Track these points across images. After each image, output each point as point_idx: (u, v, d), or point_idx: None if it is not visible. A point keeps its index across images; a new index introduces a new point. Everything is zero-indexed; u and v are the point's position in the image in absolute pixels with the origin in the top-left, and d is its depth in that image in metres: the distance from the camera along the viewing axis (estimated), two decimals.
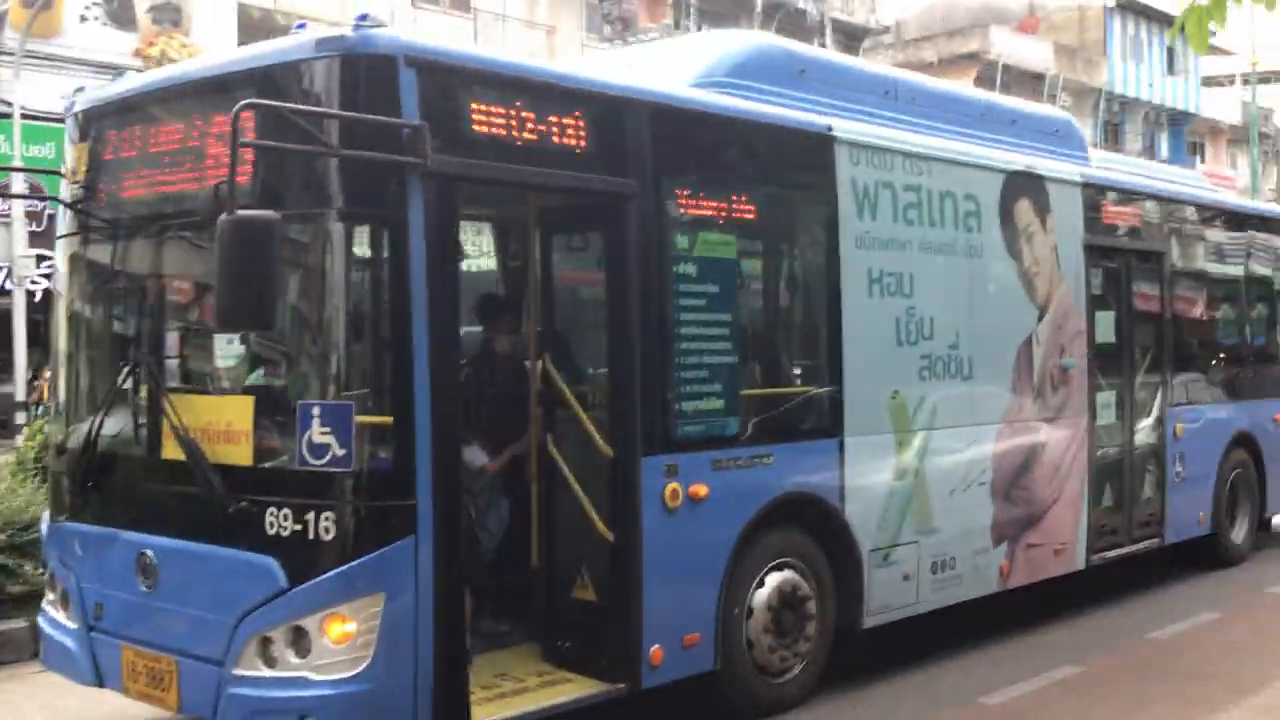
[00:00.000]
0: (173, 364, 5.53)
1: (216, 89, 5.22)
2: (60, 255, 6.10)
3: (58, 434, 6.14)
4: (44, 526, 6.11)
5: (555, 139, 5.47)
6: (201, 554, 5.13)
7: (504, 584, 6.32)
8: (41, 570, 7.82)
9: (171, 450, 5.30)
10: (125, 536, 5.47)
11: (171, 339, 5.52)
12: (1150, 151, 43.05)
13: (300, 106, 4.78)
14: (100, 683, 5.64)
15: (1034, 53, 38.70)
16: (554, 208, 6.03)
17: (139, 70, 18.91)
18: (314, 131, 4.74)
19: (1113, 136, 43.49)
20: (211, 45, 19.99)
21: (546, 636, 5.95)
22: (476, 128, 5.18)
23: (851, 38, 33.55)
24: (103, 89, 5.99)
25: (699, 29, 28.96)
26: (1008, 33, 38.30)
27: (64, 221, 6.04)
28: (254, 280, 4.40)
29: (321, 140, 4.74)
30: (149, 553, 5.33)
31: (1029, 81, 38.07)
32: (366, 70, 4.90)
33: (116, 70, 18.65)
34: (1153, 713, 6.44)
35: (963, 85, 8.60)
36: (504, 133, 5.27)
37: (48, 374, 15.61)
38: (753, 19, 29.70)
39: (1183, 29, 4.04)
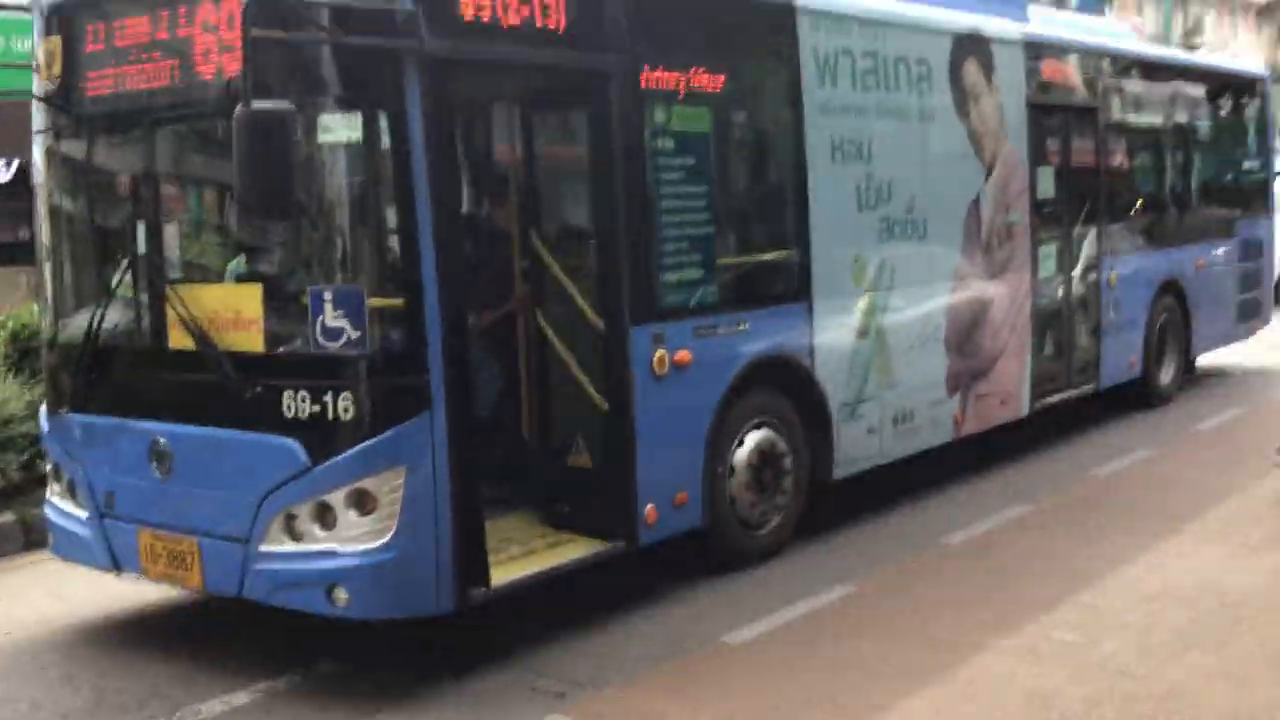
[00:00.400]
0: (174, 256, 5.62)
1: None
2: (38, 151, 6.08)
3: (50, 329, 6.19)
4: (43, 419, 6.20)
5: (539, 18, 5.54)
6: (218, 439, 5.30)
7: (495, 449, 6.56)
8: (21, 465, 7.97)
9: (179, 339, 5.42)
10: (135, 425, 5.61)
11: (170, 231, 5.59)
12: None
13: None
14: (116, 567, 5.83)
15: None
16: (533, 86, 6.13)
17: None
18: (314, 20, 4.79)
19: None
20: None
21: (546, 502, 6.23)
22: (465, 10, 5.24)
23: None
24: None
25: None
26: None
27: (40, 117, 6.01)
28: (274, 171, 4.51)
29: (323, 28, 4.80)
30: (161, 440, 5.48)
31: None
32: None
33: None
34: (1101, 543, 6.94)
35: None
36: (490, 14, 5.33)
37: None
38: None
39: None
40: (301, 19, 4.78)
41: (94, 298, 5.89)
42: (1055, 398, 9.53)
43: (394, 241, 5.06)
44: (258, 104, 4.49)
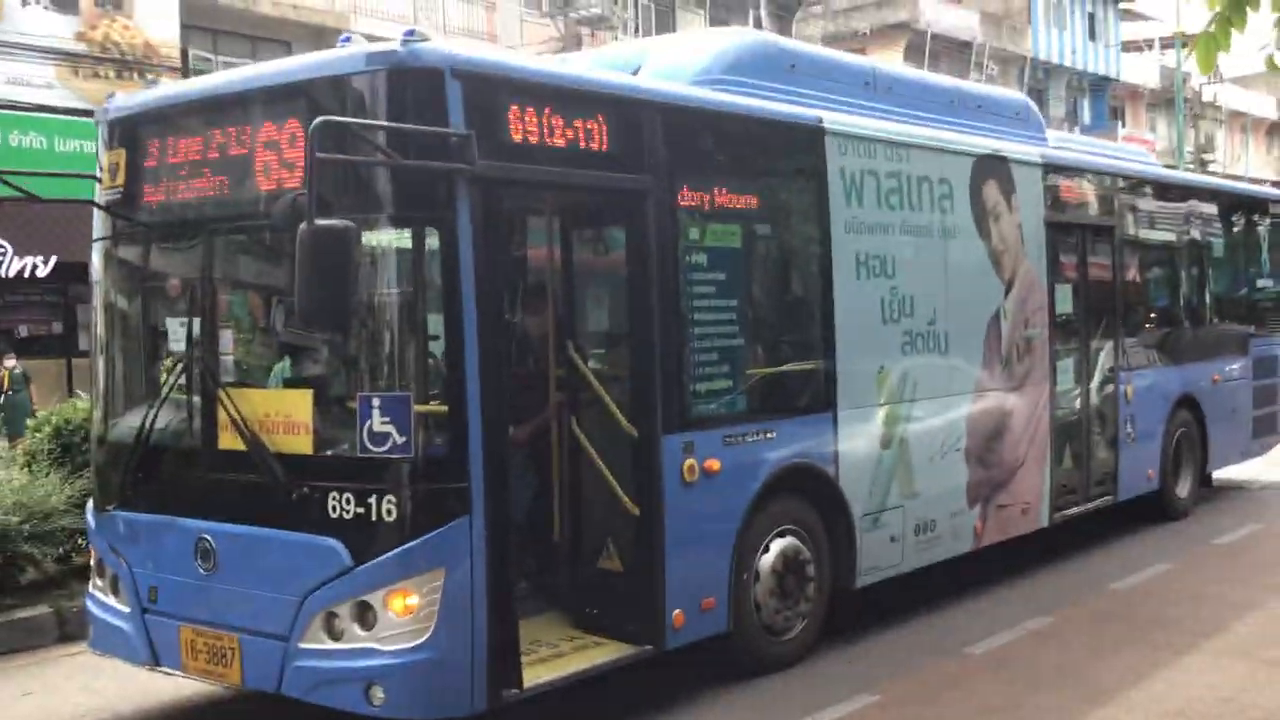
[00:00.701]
0: (228, 360, 5.84)
1: (266, 99, 5.52)
2: (96, 256, 6.35)
3: (99, 426, 6.40)
4: (90, 516, 6.38)
5: (582, 141, 5.84)
6: (263, 537, 5.47)
7: (528, 554, 6.70)
8: (58, 558, 8.12)
9: (228, 441, 5.62)
10: (182, 523, 5.78)
11: (226, 336, 5.82)
12: (1073, 116, 44.10)
13: (365, 120, 5.10)
14: (155, 662, 5.95)
15: (961, 21, 39.41)
16: (573, 203, 6.40)
17: (84, 53, 18.85)
18: (373, 142, 5.07)
19: (1037, 102, 44.17)
20: (154, 29, 19.92)
21: (575, 604, 6.36)
22: (514, 133, 5.54)
23: (784, 9, 33.90)
24: (139, 95, 6.24)
25: (635, 4, 29.22)
26: (935, 2, 38.96)
27: (100, 224, 6.29)
28: (333, 285, 4.76)
29: (381, 150, 5.07)
30: (208, 538, 5.65)
31: (957, 50, 38.82)
32: (415, 83, 5.24)
33: (60, 54, 18.66)
34: (1123, 657, 7.01)
35: (933, 74, 9.08)
36: (538, 137, 5.63)
37: (8, 363, 15.69)
38: None
39: (1189, 52, 4.56)
40: (362, 141, 5.06)
41: (145, 398, 6.11)
42: (1074, 510, 9.65)
43: (441, 352, 5.27)
44: (321, 221, 4.74)
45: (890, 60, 31.74)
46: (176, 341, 5.96)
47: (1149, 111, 49.49)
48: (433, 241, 5.25)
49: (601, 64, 7.28)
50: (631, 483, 6.14)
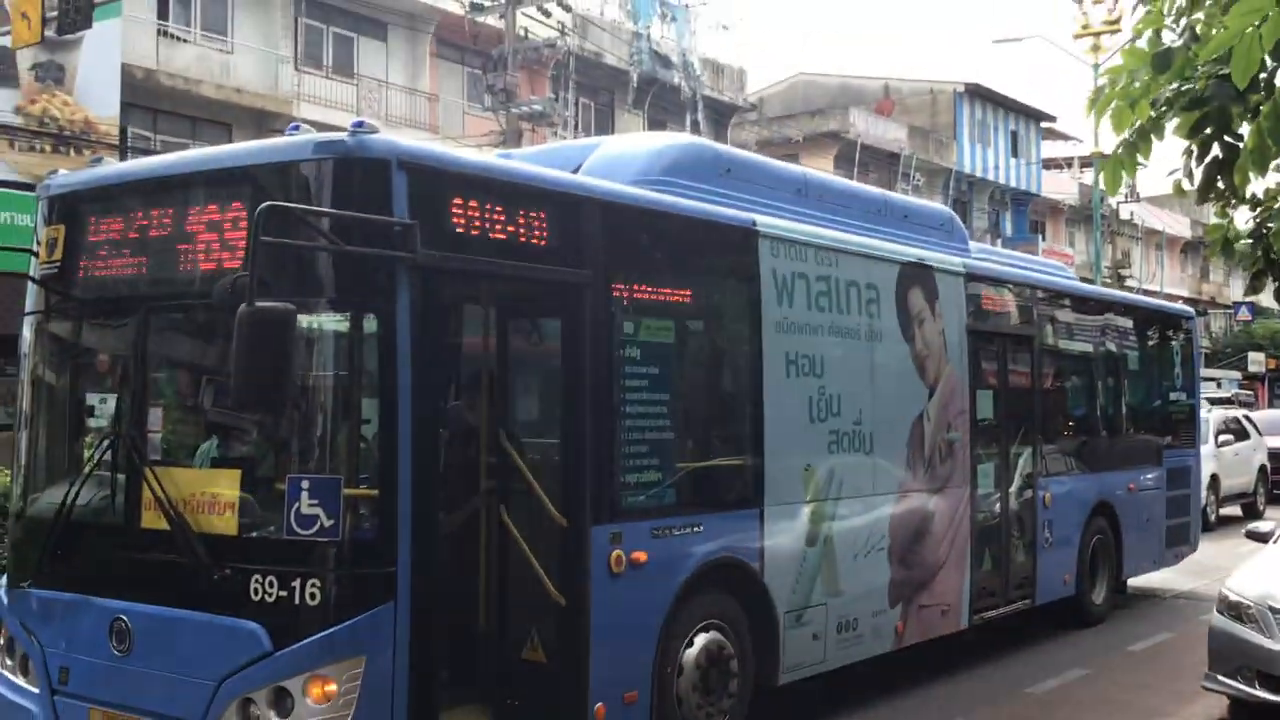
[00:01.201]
0: (154, 438, 5.80)
1: (213, 181, 5.57)
2: (27, 329, 6.30)
3: (18, 501, 6.30)
4: (2, 592, 6.25)
5: (522, 234, 5.96)
6: (182, 619, 5.40)
7: (452, 643, 6.65)
8: None
9: (151, 519, 5.57)
10: (98, 603, 5.69)
11: (154, 414, 5.78)
12: (996, 229, 45.28)
13: (310, 207, 5.17)
14: None
15: (890, 133, 40.56)
16: (511, 293, 6.49)
17: (20, 126, 18.74)
18: (317, 228, 5.14)
19: (961, 214, 45.29)
20: (94, 105, 19.88)
21: (498, 695, 6.31)
22: (456, 224, 5.64)
23: (721, 114, 34.71)
24: (83, 172, 6.26)
25: (576, 102, 29.72)
26: (865, 114, 40.10)
27: (33, 298, 6.26)
28: (270, 366, 4.77)
29: (325, 235, 5.14)
30: (124, 618, 5.56)
31: (885, 160, 39.89)
32: (362, 172, 5.33)
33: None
34: None
35: (862, 184, 9.37)
36: (479, 229, 5.73)
37: None
38: (628, 94, 30.60)
39: (1100, 173, 4.81)
40: (306, 226, 5.12)
41: (68, 473, 6.05)
42: (994, 612, 9.78)
43: (373, 435, 5.29)
44: (261, 303, 4.77)
45: (821, 167, 32.47)
46: (104, 417, 5.93)
47: (1068, 226, 51.00)
48: (371, 326, 5.30)
49: (543, 160, 7.43)
50: (558, 572, 6.15)
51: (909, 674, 8.90)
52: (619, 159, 7.33)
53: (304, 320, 5.18)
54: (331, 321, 5.34)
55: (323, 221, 5.17)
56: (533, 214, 6.01)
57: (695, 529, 6.82)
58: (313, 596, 5.14)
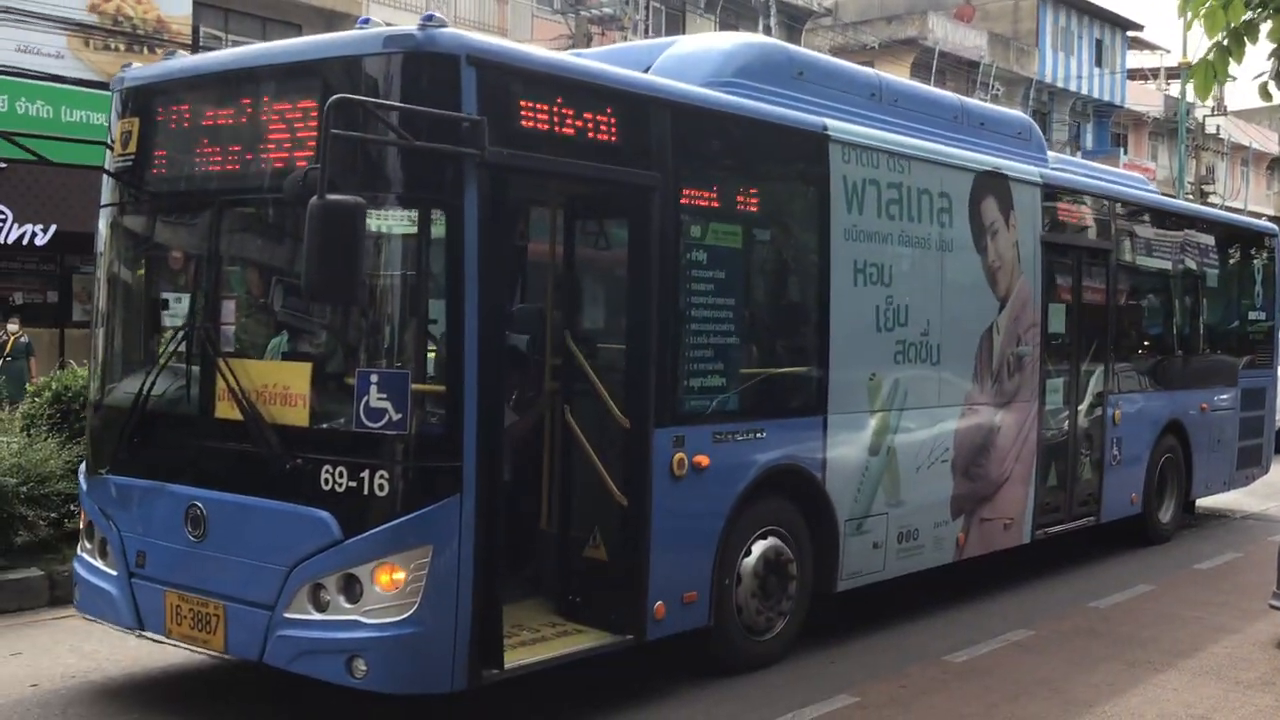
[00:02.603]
0: (228, 330, 5.89)
1: (283, 75, 5.59)
2: (103, 223, 6.40)
3: (96, 392, 6.45)
4: (81, 478, 6.43)
5: (591, 133, 5.91)
6: (255, 507, 5.53)
7: (517, 539, 6.76)
8: (52, 522, 8.16)
9: (224, 410, 5.68)
10: (173, 489, 5.83)
11: (228, 307, 5.87)
12: (1076, 141, 44.27)
13: (380, 100, 5.17)
14: (140, 626, 5.99)
15: (969, 40, 39.57)
16: (579, 194, 6.47)
17: (96, 24, 18.86)
18: (387, 122, 5.14)
19: (1041, 125, 44.32)
20: (166, 5, 19.96)
21: (560, 591, 6.42)
22: (524, 122, 5.61)
23: (794, 19, 34.09)
24: (154, 66, 6.30)
25: (646, 6, 29.29)
26: (944, 20, 39.12)
27: (108, 192, 6.34)
28: (342, 259, 4.81)
29: (394, 130, 5.14)
30: (199, 505, 5.70)
31: (964, 69, 38.98)
32: (431, 67, 5.30)
33: (72, 25, 18.66)
34: (1100, 672, 7.09)
35: (938, 90, 9.11)
36: (547, 127, 5.70)
37: (11, 327, 15.72)
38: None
39: (1189, 79, 4.66)
40: (375, 121, 5.12)
41: (144, 365, 6.17)
42: (1057, 528, 9.73)
43: (441, 332, 5.33)
44: (331, 196, 4.80)
45: (897, 76, 31.82)
46: (178, 310, 6.02)
47: (1152, 140, 49.69)
48: (439, 224, 5.31)
49: (613, 59, 7.33)
50: (621, 474, 6.20)
51: (973, 586, 8.91)
52: (690, 59, 7.23)
53: (373, 216, 5.21)
54: (400, 217, 5.36)
55: (392, 116, 5.16)
56: (601, 113, 5.96)
57: (758, 435, 6.83)
58: (381, 488, 5.23)
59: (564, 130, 5.78)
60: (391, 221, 5.37)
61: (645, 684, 6.53)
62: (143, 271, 6.35)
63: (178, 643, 5.90)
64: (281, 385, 5.51)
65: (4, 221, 16.22)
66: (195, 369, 5.86)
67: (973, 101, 9.75)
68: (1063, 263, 9.81)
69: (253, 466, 5.55)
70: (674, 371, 6.35)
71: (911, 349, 8.02)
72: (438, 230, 5.33)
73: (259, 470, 5.52)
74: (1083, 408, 10.03)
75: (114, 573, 6.09)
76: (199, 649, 5.87)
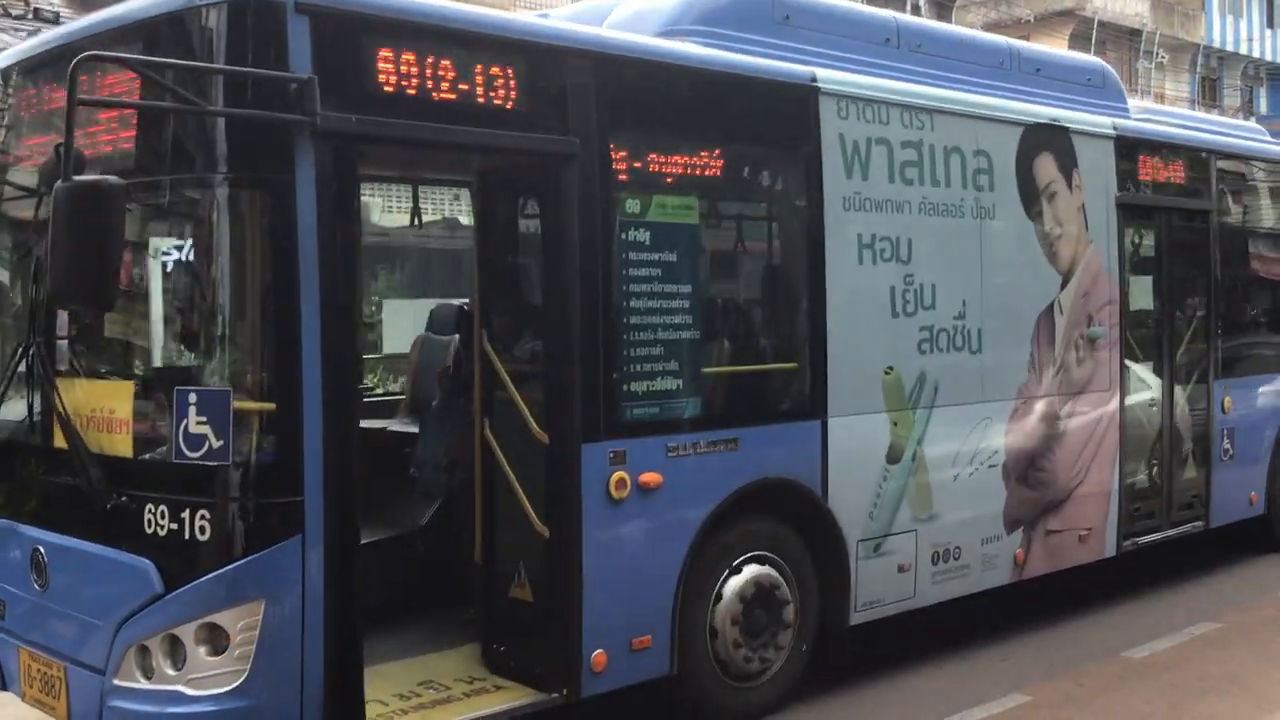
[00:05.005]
0: (64, 345, 5.10)
1: (102, 49, 4.73)
2: None
3: None
4: None
5: (481, 94, 4.93)
6: (86, 553, 4.73)
7: (446, 578, 5.87)
8: None
9: (60, 439, 4.89)
10: (22, 531, 5.09)
11: (63, 319, 5.08)
12: (1249, 107, 41.53)
13: (144, 57, 4.30)
14: (4, 686, 5.28)
15: (1130, 7, 37.30)
16: (491, 171, 5.50)
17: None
18: (174, 87, 4.26)
19: (1209, 92, 41.94)
20: None
21: (486, 638, 5.47)
22: (383, 82, 4.65)
23: None
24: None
25: None
26: None
27: None
28: (90, 253, 3.96)
29: (182, 96, 4.25)
30: (41, 549, 4.93)
31: (1125, 37, 36.73)
32: (252, 18, 4.39)
33: None
34: None
35: (983, 32, 7.80)
36: (416, 87, 4.73)
37: None
38: None
39: None
40: (167, 85, 4.24)
41: None
42: (1152, 536, 8.33)
43: (268, 337, 4.42)
44: (78, 178, 3.94)
45: (1054, 48, 30.11)
46: (20, 324, 5.25)
47: None
48: (262, 208, 4.41)
49: (577, 19, 6.37)
50: (545, 498, 5.21)
51: (1145, 578, 8.36)
52: (644, 9, 6.19)
53: (177, 198, 4.34)
54: (210, 200, 4.46)
55: (186, 78, 4.27)
56: (492, 70, 4.96)
57: (729, 445, 5.74)
58: (202, 530, 4.36)
59: (440, 92, 4.80)
60: (199, 205, 4.48)
61: None
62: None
63: (32, 705, 5.14)
64: (106, 408, 4.69)
65: None
66: (35, 390, 5.08)
67: (1027, 45, 8.42)
68: (1147, 226, 8.41)
69: (80, 505, 4.74)
70: (608, 374, 5.32)
71: (942, 336, 6.80)
72: (263, 216, 4.41)
73: (85, 509, 4.70)
74: (1181, 396, 8.59)
75: None
76: (49, 716, 5.08)
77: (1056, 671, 6.54)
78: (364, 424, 6.40)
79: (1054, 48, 24.02)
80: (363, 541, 5.62)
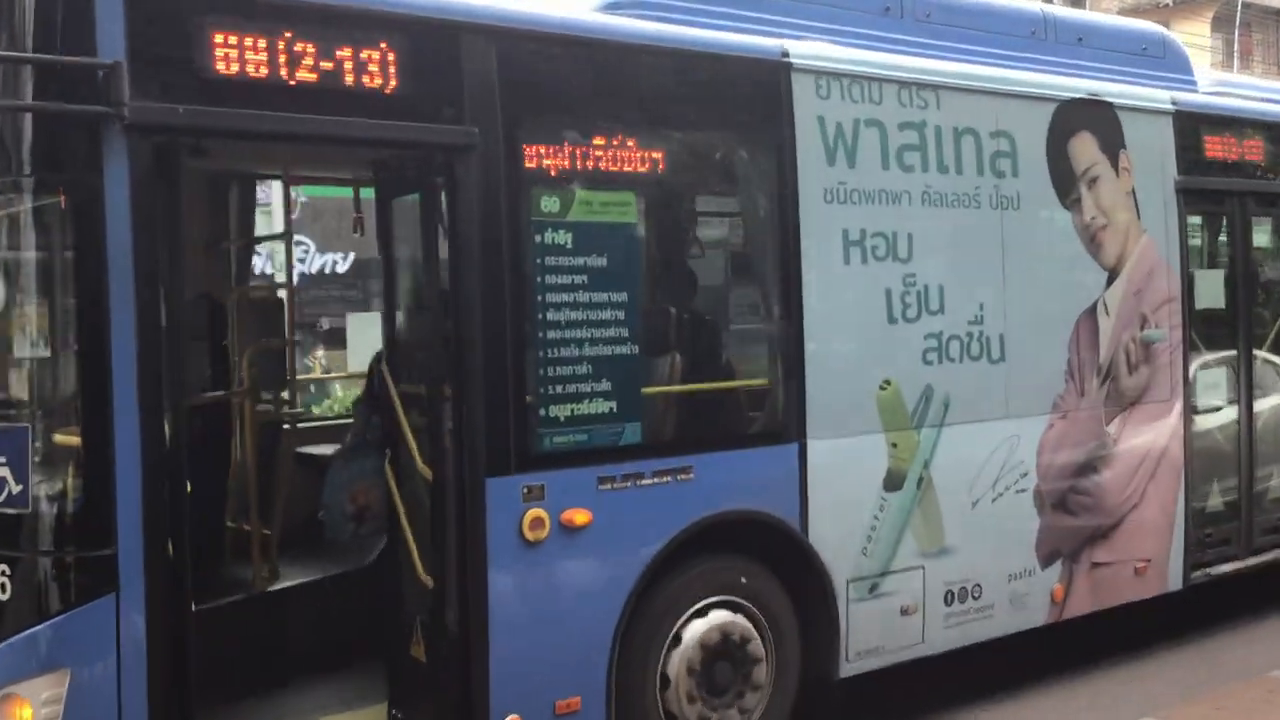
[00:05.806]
0: None
1: None
2: None
3: None
4: None
5: (348, 79, 4.28)
6: None
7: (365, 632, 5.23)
8: None
9: None
10: None
11: None
12: None
13: None
14: None
15: None
16: (384, 167, 4.85)
17: None
18: None
19: None
20: None
21: (390, 702, 4.81)
22: (219, 67, 4.03)
23: None
24: None
25: None
26: None
27: None
28: None
29: None
30: None
31: (1272, 18, 34.68)
32: None
33: None
34: None
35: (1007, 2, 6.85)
36: (263, 72, 4.10)
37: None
38: None
39: None
40: None
41: None
42: (1228, 566, 7.29)
43: (72, 365, 3.84)
44: None
45: (1197, 31, 28.52)
46: None
47: None
48: (60, 212, 3.83)
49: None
50: (442, 542, 4.54)
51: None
52: None
53: None
54: (9, 206, 3.89)
55: None
56: (365, 51, 4.30)
57: (680, 475, 4.99)
58: (2, 589, 3.79)
59: (294, 78, 4.16)
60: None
61: None
62: None
63: None
64: None
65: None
66: None
67: (1066, 12, 7.46)
68: (1216, 213, 7.39)
69: None
70: (519, 398, 4.62)
71: (953, 344, 5.94)
72: (66, 222, 3.84)
73: None
74: (1264, 406, 7.53)
75: None
76: None
77: (1195, 693, 6.15)
78: (313, 450, 5.90)
79: (1196, 32, 22.42)
80: (302, 581, 5.07)
